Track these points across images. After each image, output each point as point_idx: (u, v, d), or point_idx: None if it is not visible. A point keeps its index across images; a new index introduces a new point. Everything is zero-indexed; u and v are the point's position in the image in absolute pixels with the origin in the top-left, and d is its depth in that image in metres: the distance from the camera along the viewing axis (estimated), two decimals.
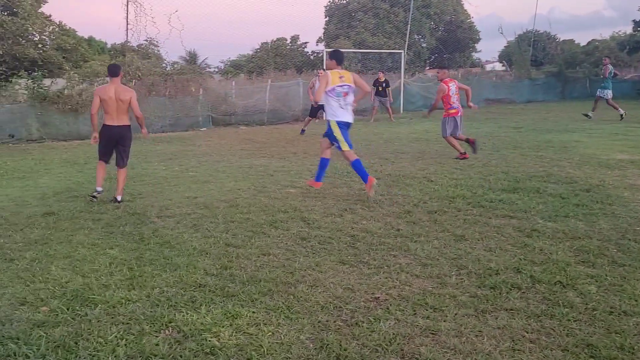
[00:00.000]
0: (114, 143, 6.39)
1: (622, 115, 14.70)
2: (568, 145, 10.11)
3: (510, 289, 3.52)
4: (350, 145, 6.40)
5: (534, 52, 28.87)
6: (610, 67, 15.33)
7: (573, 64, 26.45)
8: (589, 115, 15.30)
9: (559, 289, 3.52)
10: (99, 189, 6.40)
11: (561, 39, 34.49)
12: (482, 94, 23.44)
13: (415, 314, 3.20)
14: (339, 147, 6.37)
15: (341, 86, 6.20)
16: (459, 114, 8.98)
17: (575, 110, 18.28)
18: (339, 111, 6.28)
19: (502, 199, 5.92)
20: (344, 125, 6.37)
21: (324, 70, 16.55)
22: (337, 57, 6.37)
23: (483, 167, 8.01)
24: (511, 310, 3.23)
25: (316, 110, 13.65)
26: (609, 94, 15.28)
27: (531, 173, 7.40)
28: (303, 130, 13.83)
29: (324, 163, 6.67)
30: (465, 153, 8.73)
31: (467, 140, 9.01)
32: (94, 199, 6.23)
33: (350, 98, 6.35)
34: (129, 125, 6.43)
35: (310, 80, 16.35)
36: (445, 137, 9.06)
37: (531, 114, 17.92)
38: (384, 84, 16.76)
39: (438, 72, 9.49)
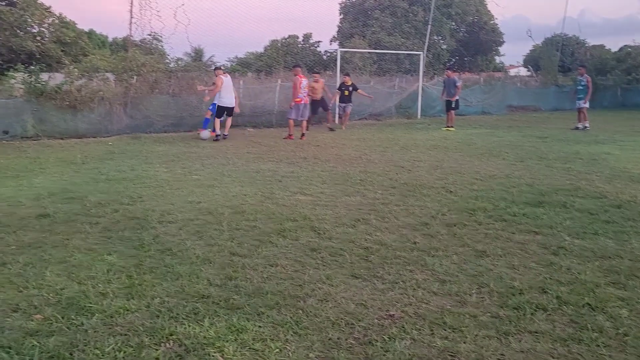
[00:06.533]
0: None
1: (578, 127, 15.95)
2: (597, 158, 10.05)
3: (535, 310, 3.50)
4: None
5: (561, 57, 28.74)
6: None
7: (603, 70, 26.31)
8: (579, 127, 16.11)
9: (588, 311, 3.49)
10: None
11: (590, 44, 34.37)
12: (505, 100, 23.39)
13: (432, 333, 3.19)
14: None
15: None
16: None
17: (606, 121, 18.19)
18: None
19: (526, 213, 5.89)
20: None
21: (318, 73, 16.81)
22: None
23: (506, 178, 7.98)
24: (536, 332, 3.21)
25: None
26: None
27: (557, 186, 7.37)
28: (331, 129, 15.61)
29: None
30: None
31: None
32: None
33: None
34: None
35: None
36: None
37: (558, 123, 17.85)
38: (350, 88, 16.59)
39: None
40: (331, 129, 15.62)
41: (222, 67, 14.38)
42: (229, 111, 13.52)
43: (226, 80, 13.20)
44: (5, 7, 18.91)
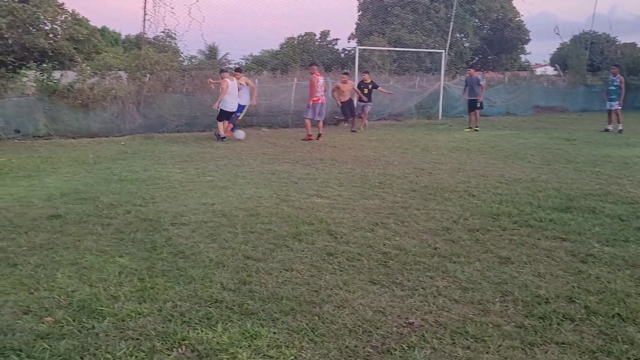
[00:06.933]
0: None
1: (608, 129, 15.92)
2: (629, 161, 9.92)
3: (562, 320, 3.45)
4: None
5: (590, 55, 28.41)
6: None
7: (635, 70, 25.96)
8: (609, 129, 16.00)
9: (618, 322, 3.44)
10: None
11: (622, 42, 33.94)
12: (531, 101, 23.19)
13: (454, 343, 3.17)
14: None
15: None
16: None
17: (638, 122, 17.94)
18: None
19: (553, 219, 5.83)
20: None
21: (347, 74, 16.80)
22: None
23: (532, 182, 7.91)
24: (563, 344, 3.17)
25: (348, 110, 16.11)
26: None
27: (586, 191, 7.28)
28: (353, 131, 15.72)
29: None
30: None
31: None
32: None
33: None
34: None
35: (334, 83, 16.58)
36: None
37: (587, 125, 17.68)
38: (369, 86, 16.54)
39: None
40: (353, 131, 15.68)
41: (228, 70, 14.43)
42: (230, 116, 13.68)
43: (232, 84, 13.24)
44: (18, 4, 19.17)
